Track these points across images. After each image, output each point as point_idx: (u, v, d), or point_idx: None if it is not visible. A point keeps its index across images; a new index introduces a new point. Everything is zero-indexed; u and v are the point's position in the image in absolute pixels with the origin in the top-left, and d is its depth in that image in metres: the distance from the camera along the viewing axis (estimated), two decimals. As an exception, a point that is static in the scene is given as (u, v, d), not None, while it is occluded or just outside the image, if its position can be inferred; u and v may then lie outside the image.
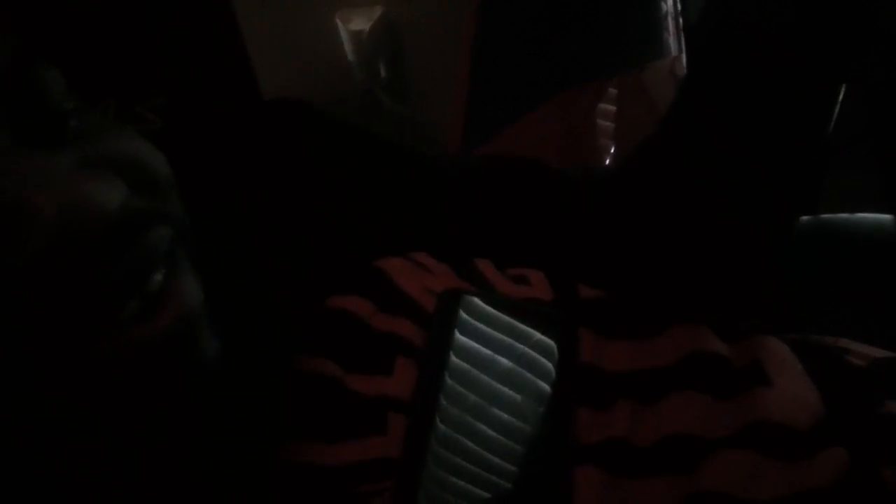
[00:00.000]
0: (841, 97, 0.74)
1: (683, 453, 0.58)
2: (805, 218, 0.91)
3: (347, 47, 2.11)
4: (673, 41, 1.58)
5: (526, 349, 0.62)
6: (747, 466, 0.58)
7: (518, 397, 0.59)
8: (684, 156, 0.77)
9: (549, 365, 0.62)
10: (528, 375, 0.60)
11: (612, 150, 1.46)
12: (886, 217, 0.91)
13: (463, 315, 0.62)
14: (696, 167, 0.75)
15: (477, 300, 0.63)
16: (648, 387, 0.62)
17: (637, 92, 1.52)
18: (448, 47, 1.84)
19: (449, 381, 0.59)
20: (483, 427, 0.58)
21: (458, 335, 0.60)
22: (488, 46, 1.65)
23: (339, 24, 2.06)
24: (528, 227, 0.77)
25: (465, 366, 0.60)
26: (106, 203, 0.49)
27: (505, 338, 0.62)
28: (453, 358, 0.59)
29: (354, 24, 2.07)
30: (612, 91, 1.53)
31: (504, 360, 0.61)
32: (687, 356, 0.64)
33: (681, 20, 1.58)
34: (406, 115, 2.14)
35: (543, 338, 0.63)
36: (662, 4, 1.58)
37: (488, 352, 0.61)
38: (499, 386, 0.60)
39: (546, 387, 0.60)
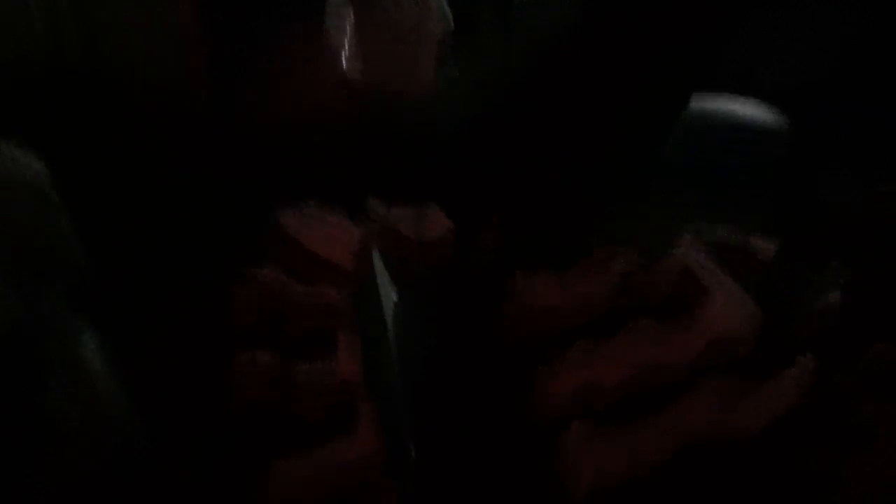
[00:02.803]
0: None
1: (656, 389, 0.55)
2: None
3: None
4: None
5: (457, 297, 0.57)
6: (721, 395, 0.55)
7: (466, 353, 0.55)
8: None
9: (481, 310, 0.57)
10: (470, 326, 0.56)
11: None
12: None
13: (384, 268, 0.56)
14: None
15: (394, 249, 0.57)
16: (594, 321, 0.58)
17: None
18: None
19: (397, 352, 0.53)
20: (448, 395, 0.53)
21: (386, 296, 0.55)
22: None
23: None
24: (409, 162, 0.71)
25: (406, 330, 0.55)
26: None
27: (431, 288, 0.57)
28: (392, 321, 0.54)
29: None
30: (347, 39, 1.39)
31: (440, 314, 0.56)
32: (621, 279, 0.60)
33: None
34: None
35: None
36: None
37: (423, 308, 0.56)
38: (445, 343, 0.55)
39: (487, 335, 0.56)
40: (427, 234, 0.61)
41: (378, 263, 0.55)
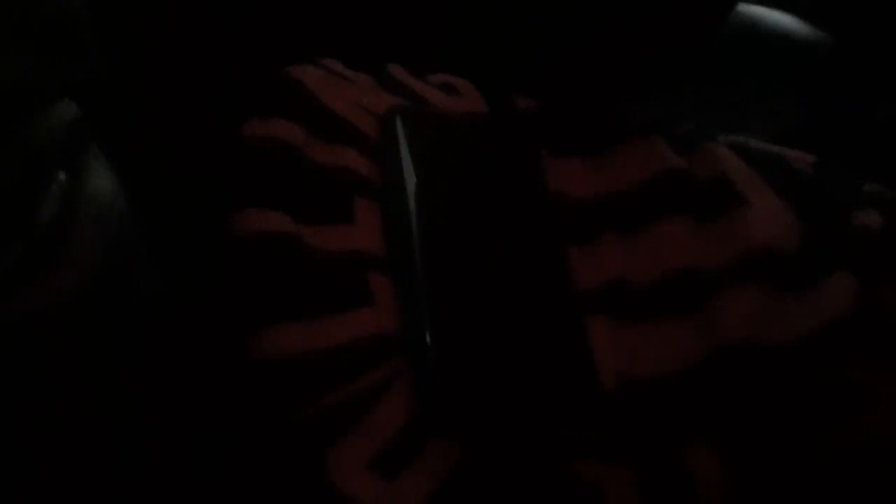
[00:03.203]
0: None
1: (687, 291, 0.52)
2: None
3: None
4: None
5: (485, 177, 0.53)
6: (759, 305, 0.52)
7: (497, 236, 0.51)
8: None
9: (516, 194, 0.53)
10: (497, 208, 0.52)
11: None
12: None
13: (409, 139, 0.52)
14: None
15: (421, 120, 0.53)
16: (626, 214, 0.55)
17: None
18: None
19: (418, 224, 0.49)
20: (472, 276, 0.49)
21: (411, 166, 0.51)
22: None
23: None
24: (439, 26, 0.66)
25: (429, 202, 0.50)
26: None
27: (458, 164, 0.53)
28: (414, 195, 0.49)
29: None
30: None
31: (468, 191, 0.51)
32: (655, 175, 0.57)
33: None
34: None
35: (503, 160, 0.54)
36: None
37: (448, 183, 0.51)
38: (472, 224, 0.50)
39: (523, 220, 0.52)
40: (456, 107, 0.57)
41: (402, 134, 0.51)
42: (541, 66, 0.63)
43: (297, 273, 0.46)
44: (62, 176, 0.34)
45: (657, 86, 0.69)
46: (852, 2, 0.84)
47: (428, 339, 0.45)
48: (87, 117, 0.36)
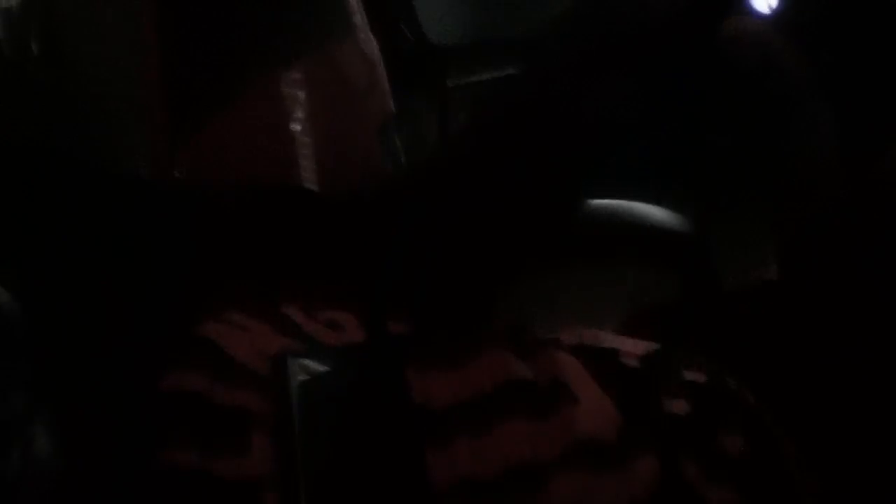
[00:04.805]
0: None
1: (523, 483, 0.65)
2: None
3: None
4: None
5: (359, 401, 0.66)
6: (580, 488, 0.65)
7: (366, 450, 0.64)
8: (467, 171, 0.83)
9: (380, 412, 0.66)
10: (370, 427, 0.65)
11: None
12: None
13: (298, 376, 0.65)
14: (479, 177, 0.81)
15: (306, 360, 0.66)
16: (476, 419, 0.67)
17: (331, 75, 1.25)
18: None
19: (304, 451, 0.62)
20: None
21: (298, 400, 0.64)
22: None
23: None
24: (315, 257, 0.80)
25: (314, 430, 0.64)
26: None
27: (338, 393, 0.67)
28: (300, 425, 0.63)
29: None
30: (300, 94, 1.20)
31: (345, 416, 0.65)
32: (501, 383, 0.70)
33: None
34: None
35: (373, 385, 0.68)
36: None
37: (330, 411, 0.65)
38: (347, 442, 0.64)
39: (390, 433, 0.65)
40: (339, 340, 0.71)
41: (291, 370, 0.64)
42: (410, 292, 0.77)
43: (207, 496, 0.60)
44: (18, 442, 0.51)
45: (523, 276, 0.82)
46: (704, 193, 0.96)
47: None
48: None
